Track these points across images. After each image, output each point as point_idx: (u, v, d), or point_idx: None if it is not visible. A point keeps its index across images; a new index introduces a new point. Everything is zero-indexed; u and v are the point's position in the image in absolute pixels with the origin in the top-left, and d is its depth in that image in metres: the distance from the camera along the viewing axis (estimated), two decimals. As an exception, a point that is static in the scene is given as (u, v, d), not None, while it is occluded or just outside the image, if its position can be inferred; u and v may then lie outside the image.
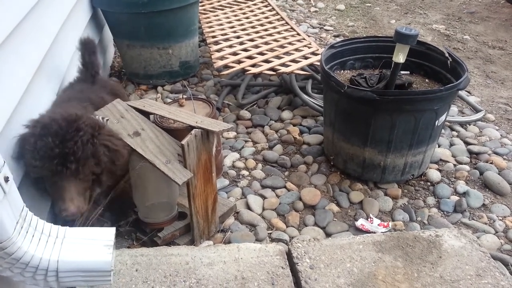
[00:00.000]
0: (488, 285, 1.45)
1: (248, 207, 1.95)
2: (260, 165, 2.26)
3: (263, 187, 2.10)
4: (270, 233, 1.81)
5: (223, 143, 2.42)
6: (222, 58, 2.96)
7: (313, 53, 3.04)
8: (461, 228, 1.78)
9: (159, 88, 3.06)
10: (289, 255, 1.58)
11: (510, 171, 2.17)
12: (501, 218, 1.90)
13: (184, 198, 1.65)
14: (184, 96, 2.13)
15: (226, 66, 2.91)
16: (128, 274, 1.45)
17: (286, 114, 2.71)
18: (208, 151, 1.63)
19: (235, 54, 3.02)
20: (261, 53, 3.04)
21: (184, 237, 1.70)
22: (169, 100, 2.86)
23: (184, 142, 1.50)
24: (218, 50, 3.08)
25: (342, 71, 2.39)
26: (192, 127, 1.59)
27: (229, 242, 1.69)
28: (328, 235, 1.82)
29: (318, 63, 2.69)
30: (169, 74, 3.11)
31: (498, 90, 3.14)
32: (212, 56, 3.01)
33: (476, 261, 1.54)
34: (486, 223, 1.87)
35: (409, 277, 1.48)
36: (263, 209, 1.95)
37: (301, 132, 2.53)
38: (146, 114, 1.75)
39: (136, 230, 1.75)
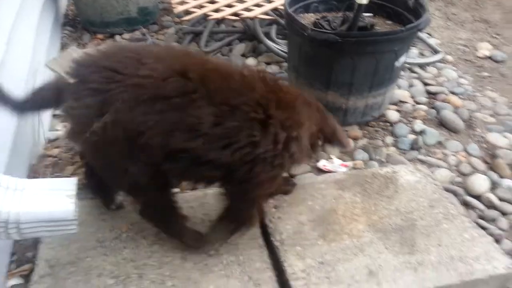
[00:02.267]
0: (439, 214, 1.56)
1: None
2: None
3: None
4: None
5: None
6: (182, 3, 2.85)
7: (277, -3, 2.96)
8: (417, 164, 1.88)
9: (117, 37, 2.94)
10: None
11: (464, 110, 2.26)
12: (454, 154, 2.01)
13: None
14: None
15: (187, 12, 2.81)
16: (95, 224, 1.47)
17: (251, 61, 2.67)
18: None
19: (195, -2, 2.91)
20: (223, -3, 2.95)
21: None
22: (129, 49, 2.76)
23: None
24: (178, -5, 2.96)
25: (306, 14, 2.35)
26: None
27: (196, 189, 1.71)
28: (291, 177, 1.88)
29: (282, 7, 2.63)
30: (127, 21, 2.97)
31: (457, 31, 3.20)
32: (172, 1, 2.89)
33: (430, 194, 1.65)
34: (440, 159, 1.98)
35: (367, 211, 1.56)
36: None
37: (266, 79, 2.51)
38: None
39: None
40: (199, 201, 1.56)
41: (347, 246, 1.42)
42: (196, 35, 2.93)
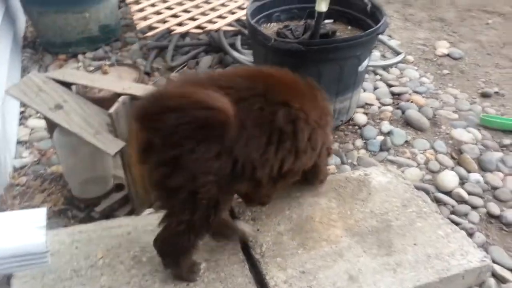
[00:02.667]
0: (413, 213, 1.60)
1: (187, 169, 1.95)
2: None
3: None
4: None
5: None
6: (145, 18, 2.83)
7: (240, 8, 2.99)
8: (387, 165, 1.92)
9: (80, 56, 2.88)
10: (231, 211, 1.63)
11: (428, 108, 2.34)
12: (422, 152, 2.07)
13: (120, 169, 1.61)
14: (108, 63, 2.03)
15: (150, 27, 2.79)
16: (68, 253, 1.42)
17: (218, 73, 2.68)
18: (139, 118, 1.59)
19: (158, 13, 2.89)
20: (186, 11, 2.94)
21: (124, 209, 1.68)
22: (92, 69, 2.71)
23: (111, 110, 1.45)
24: (140, 10, 2.94)
25: (269, 24, 2.38)
26: (119, 94, 1.54)
27: (172, 207, 1.70)
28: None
29: (245, 18, 2.66)
30: (89, 40, 2.92)
31: (416, 32, 3.31)
32: (134, 17, 2.86)
33: (402, 193, 1.69)
34: (409, 158, 2.03)
35: (343, 216, 1.59)
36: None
37: (234, 89, 2.52)
38: (67, 85, 1.65)
39: (71, 208, 1.70)
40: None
41: (326, 253, 1.43)
42: (162, 50, 2.91)
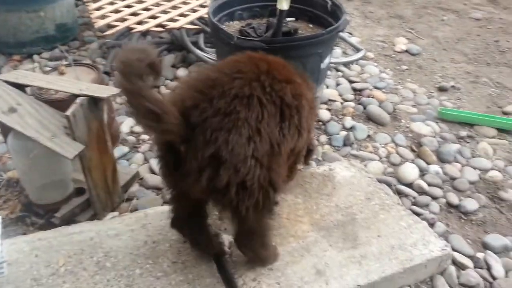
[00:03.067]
0: (376, 205, 1.64)
1: (152, 171, 1.92)
2: (159, 126, 2.21)
3: (165, 148, 2.06)
4: (177, 193, 1.82)
5: (117, 109, 2.30)
6: (103, 16, 2.74)
7: (201, 6, 2.95)
8: (350, 160, 1.96)
9: (36, 57, 2.76)
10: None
11: (388, 103, 2.41)
12: (383, 146, 2.13)
13: (81, 173, 1.56)
14: (65, 63, 1.95)
15: (109, 26, 2.71)
16: (28, 261, 1.36)
17: (182, 72, 2.64)
18: (99, 119, 1.54)
19: (117, 11, 2.81)
20: (147, 9, 2.87)
21: (86, 213, 1.62)
22: (48, 69, 2.61)
23: (69, 112, 1.40)
24: (98, 8, 2.84)
25: (231, 22, 2.36)
26: (76, 96, 1.48)
27: (136, 210, 1.66)
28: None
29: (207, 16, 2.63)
30: (44, 39, 2.81)
31: (375, 29, 3.40)
32: (92, 16, 2.77)
33: (365, 187, 1.72)
34: (371, 152, 2.08)
35: (309, 211, 1.60)
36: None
37: (198, 88, 2.49)
38: (21, 87, 1.58)
39: (29, 215, 1.63)
40: (140, 222, 1.51)
41: (294, 249, 1.44)
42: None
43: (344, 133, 2.18)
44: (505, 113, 2.40)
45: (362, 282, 1.33)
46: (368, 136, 2.18)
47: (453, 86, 2.63)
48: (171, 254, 1.40)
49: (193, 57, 2.70)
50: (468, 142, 2.16)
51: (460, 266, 1.54)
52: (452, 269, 1.50)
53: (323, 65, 2.09)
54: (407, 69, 2.84)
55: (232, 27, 2.31)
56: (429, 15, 3.65)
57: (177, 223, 1.35)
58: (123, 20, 2.72)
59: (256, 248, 1.30)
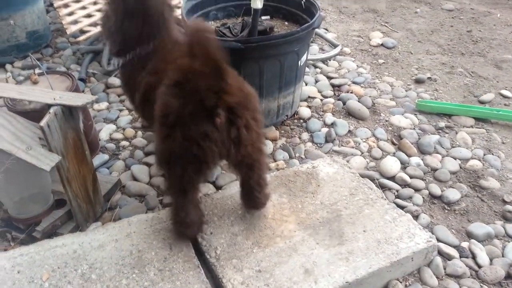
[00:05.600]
0: (360, 200, 1.65)
1: (134, 178, 1.88)
2: (140, 132, 2.17)
3: (147, 154, 2.03)
4: (162, 199, 1.79)
5: (94, 116, 2.25)
6: (74, 22, 2.69)
7: (176, 6, 2.92)
8: (333, 156, 1.97)
9: (8, 66, 2.68)
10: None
11: (367, 97, 2.42)
12: (364, 140, 2.14)
13: (60, 184, 1.52)
14: (38, 71, 1.90)
15: (82, 31, 2.66)
16: (10, 278, 1.32)
17: (158, 75, 2.60)
18: (76, 128, 1.51)
19: (89, 16, 2.76)
20: (119, 13, 2.83)
21: (68, 225, 1.59)
22: (22, 78, 2.53)
23: (42, 123, 1.36)
24: (70, 14, 2.79)
25: (206, 22, 2.34)
26: (50, 105, 1.44)
27: (120, 219, 1.63)
28: (218, 188, 1.86)
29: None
30: (16, 48, 2.73)
31: (350, 24, 3.42)
32: (63, 21, 2.71)
33: (348, 182, 1.73)
34: (353, 147, 2.09)
35: (294, 210, 1.60)
36: (151, 176, 1.91)
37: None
38: (-8, 99, 1.53)
39: (9, 230, 1.58)
40: (124, 231, 1.48)
41: (281, 249, 1.44)
42: (97, 54, 2.78)
43: (325, 129, 2.18)
44: (481, 102, 2.45)
45: (350, 279, 1.33)
46: (349, 131, 2.19)
47: (429, 78, 2.67)
48: (157, 262, 1.38)
49: (170, 60, 2.66)
50: (447, 133, 2.20)
51: (446, 257, 1.56)
52: (439, 260, 1.52)
53: (300, 63, 2.09)
54: (383, 62, 2.87)
55: (208, 27, 2.28)
56: (403, 8, 3.69)
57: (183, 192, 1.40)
58: (96, 24, 2.68)
59: (264, 187, 1.49)
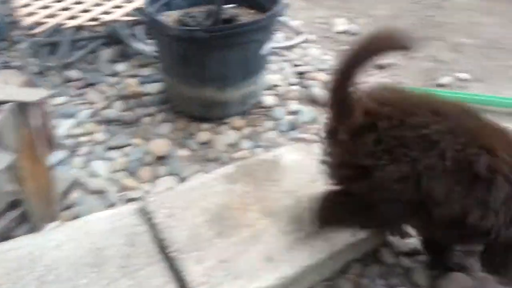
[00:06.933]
0: (321, 186, 1.66)
1: (94, 174, 1.85)
2: (101, 127, 2.13)
3: (108, 149, 2.00)
4: (123, 195, 1.76)
5: (52, 111, 2.18)
6: (30, 14, 2.59)
7: (137, -4, 2.85)
8: (297, 143, 1.98)
9: (-41, 63, 2.56)
10: (145, 211, 1.57)
11: (331, 84, 2.44)
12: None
13: (14, 184, 1.47)
14: (-10, 67, 1.83)
15: (38, 23, 2.56)
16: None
17: (122, 67, 2.55)
18: (30, 125, 1.46)
19: (46, 7, 2.66)
20: (79, 2, 2.74)
21: (23, 227, 1.54)
22: (-25, 74, 2.43)
23: (-7, 121, 1.31)
24: (25, 5, 2.68)
25: (170, 11, 2.29)
26: (4, 102, 1.39)
27: (78, 217, 1.60)
28: (183, 180, 1.85)
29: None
30: (-33, 42, 2.61)
31: (315, 11, 3.42)
32: (19, 13, 2.61)
33: (311, 169, 1.74)
34: (316, 134, 2.11)
35: (258, 199, 1.60)
36: (112, 172, 1.88)
37: (142, 83, 2.42)
38: None
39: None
40: (83, 229, 1.45)
41: (244, 238, 1.44)
42: (55, 46, 2.69)
43: (289, 117, 2.19)
44: (440, 85, 2.51)
45: (311, 262, 1.37)
46: (314, 118, 2.21)
47: (390, 63, 2.71)
48: (119, 259, 1.36)
49: (133, 50, 2.60)
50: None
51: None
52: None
53: (265, 51, 2.08)
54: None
55: (171, 17, 2.24)
56: (367, -6, 3.72)
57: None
58: (53, 16, 2.59)
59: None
